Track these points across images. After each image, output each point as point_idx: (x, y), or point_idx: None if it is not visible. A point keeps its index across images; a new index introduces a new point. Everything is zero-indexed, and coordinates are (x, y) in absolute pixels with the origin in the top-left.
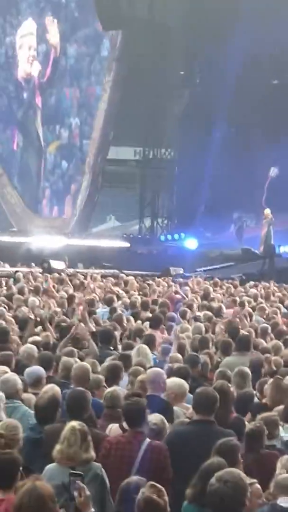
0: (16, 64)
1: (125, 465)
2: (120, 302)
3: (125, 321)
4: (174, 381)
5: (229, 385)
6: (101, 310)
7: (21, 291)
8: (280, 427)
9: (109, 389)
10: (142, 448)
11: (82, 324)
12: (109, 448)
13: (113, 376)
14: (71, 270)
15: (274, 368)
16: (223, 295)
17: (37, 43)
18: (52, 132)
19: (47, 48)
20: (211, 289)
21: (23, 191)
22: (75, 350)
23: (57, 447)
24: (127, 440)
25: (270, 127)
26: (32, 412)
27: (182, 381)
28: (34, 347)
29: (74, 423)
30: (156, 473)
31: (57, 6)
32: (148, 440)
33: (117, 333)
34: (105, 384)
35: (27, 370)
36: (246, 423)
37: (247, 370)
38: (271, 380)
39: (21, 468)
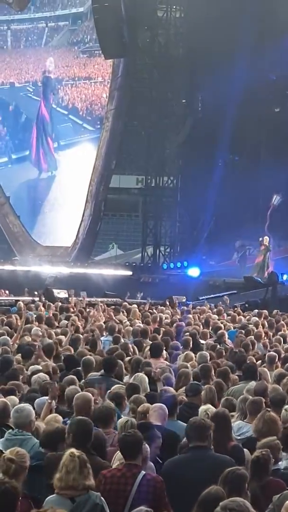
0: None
1: (120, 499)
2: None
3: (130, 349)
4: None
5: (231, 413)
6: (104, 338)
7: (26, 320)
8: None
9: (123, 418)
10: (137, 482)
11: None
12: (104, 483)
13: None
14: (74, 299)
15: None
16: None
17: None
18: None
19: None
20: (213, 316)
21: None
22: (76, 378)
23: (57, 475)
24: (121, 474)
25: (272, 155)
26: None
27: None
28: (47, 376)
29: (73, 450)
30: (152, 506)
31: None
32: (143, 473)
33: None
34: None
35: (38, 400)
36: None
37: (251, 397)
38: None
39: (30, 500)
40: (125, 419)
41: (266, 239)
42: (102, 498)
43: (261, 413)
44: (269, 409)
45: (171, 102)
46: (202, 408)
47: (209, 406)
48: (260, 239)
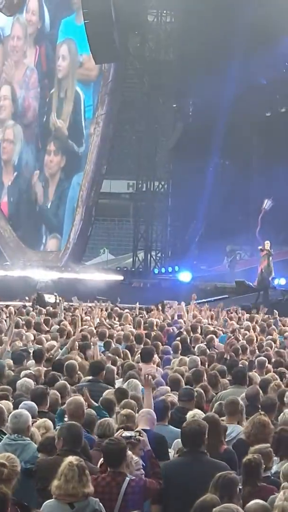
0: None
1: (106, 508)
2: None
3: (121, 354)
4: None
5: (222, 417)
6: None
7: (16, 325)
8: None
9: (101, 420)
10: (122, 491)
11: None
12: None
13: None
14: (65, 304)
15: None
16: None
17: None
18: None
19: None
20: (203, 321)
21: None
22: (68, 384)
23: (55, 482)
24: (105, 482)
25: (263, 159)
26: None
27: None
28: (31, 381)
29: (72, 458)
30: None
31: None
32: (127, 480)
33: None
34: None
35: (22, 404)
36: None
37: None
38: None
39: (17, 507)
40: (103, 420)
41: (267, 244)
42: (100, 504)
43: (253, 416)
44: (262, 412)
45: (161, 106)
46: (190, 413)
47: (196, 411)
48: (260, 247)
